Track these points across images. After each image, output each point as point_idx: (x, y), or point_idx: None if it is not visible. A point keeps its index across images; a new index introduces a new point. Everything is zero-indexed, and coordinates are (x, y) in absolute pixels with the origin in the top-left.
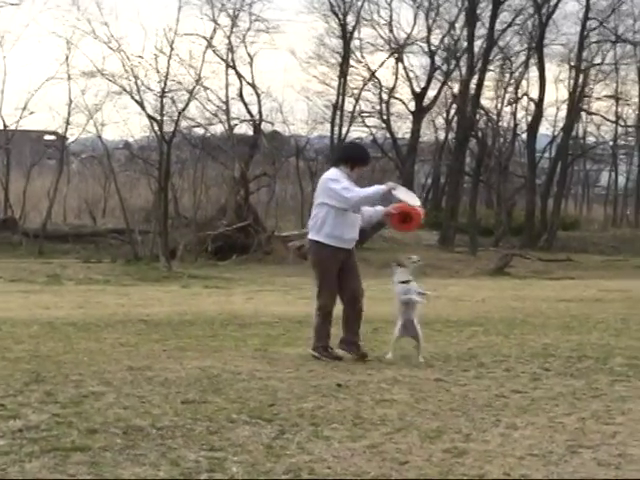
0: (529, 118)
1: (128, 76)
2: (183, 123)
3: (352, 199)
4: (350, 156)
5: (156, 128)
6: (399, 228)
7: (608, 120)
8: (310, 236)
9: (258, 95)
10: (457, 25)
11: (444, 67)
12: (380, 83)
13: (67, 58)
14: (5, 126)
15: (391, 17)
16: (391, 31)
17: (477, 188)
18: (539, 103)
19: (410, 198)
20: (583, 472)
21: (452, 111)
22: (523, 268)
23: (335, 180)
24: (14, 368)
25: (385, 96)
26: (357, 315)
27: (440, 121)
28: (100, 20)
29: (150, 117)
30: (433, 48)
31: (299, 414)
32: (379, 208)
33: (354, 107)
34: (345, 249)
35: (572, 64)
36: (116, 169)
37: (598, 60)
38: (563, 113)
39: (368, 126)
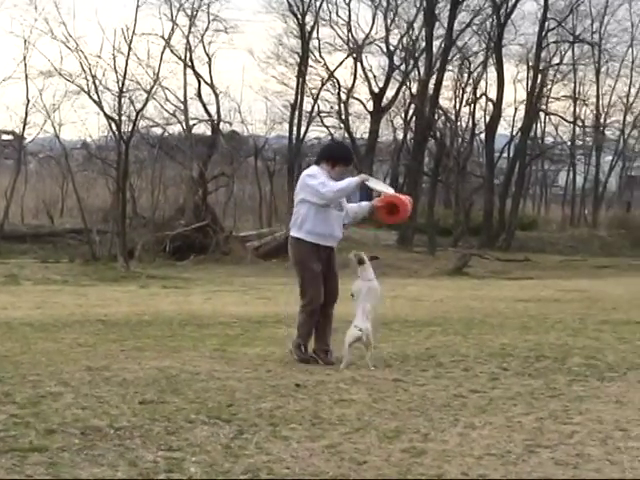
0: (487, 118)
1: (86, 76)
2: (141, 123)
3: (327, 193)
4: (331, 154)
5: (114, 128)
6: (388, 220)
7: (566, 120)
8: (291, 233)
9: (216, 95)
10: (415, 25)
11: (402, 67)
12: (338, 83)
13: (25, 58)
14: None
15: (349, 17)
16: (349, 31)
17: (435, 188)
18: (497, 103)
19: (384, 188)
20: (541, 472)
21: (410, 111)
22: (481, 268)
23: (312, 176)
24: None
25: (343, 96)
26: (327, 322)
27: (398, 121)
28: (58, 20)
29: (108, 117)
30: (391, 48)
31: (258, 414)
32: (364, 204)
33: (312, 107)
34: (326, 247)
35: (530, 64)
36: (74, 169)
37: (556, 60)
38: (521, 113)
39: (326, 126)
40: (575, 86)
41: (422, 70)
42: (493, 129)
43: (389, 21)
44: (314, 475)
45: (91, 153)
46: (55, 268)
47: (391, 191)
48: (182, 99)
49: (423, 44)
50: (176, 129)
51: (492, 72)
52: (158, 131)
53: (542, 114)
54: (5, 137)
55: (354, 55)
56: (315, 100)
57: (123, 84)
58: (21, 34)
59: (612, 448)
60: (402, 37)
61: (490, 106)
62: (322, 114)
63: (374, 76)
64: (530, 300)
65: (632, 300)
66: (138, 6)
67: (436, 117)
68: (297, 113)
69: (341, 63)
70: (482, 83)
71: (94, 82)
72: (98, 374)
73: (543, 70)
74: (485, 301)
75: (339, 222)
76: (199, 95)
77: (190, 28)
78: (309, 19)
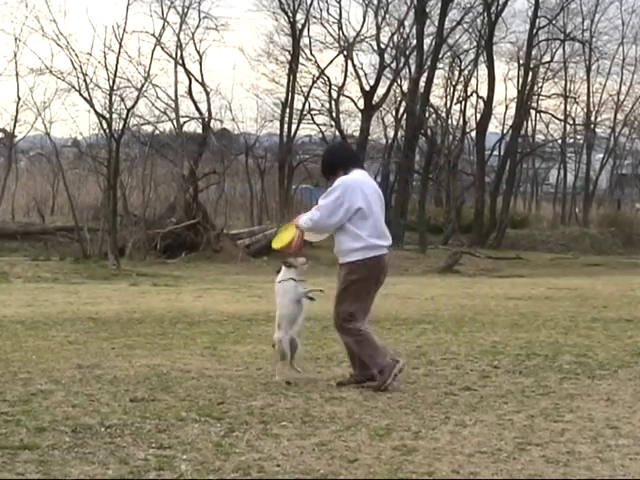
0: (478, 116)
1: (77, 73)
2: (132, 121)
3: None
4: None
5: (105, 126)
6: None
7: (557, 118)
8: None
9: (207, 93)
10: (406, 23)
11: (393, 65)
12: (329, 81)
13: (15, 55)
14: None
15: (340, 15)
16: (340, 29)
17: (426, 186)
18: (488, 101)
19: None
20: (532, 469)
21: (401, 109)
22: (472, 266)
23: None
24: None
25: (334, 94)
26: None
27: (389, 119)
28: (49, 17)
29: (99, 114)
30: (382, 46)
31: (248, 412)
32: None
33: (303, 105)
34: None
35: (521, 62)
36: (65, 167)
37: (547, 58)
38: (512, 111)
39: (317, 124)
40: (566, 84)
41: (413, 68)
42: (484, 127)
43: (380, 19)
44: (305, 473)
45: (82, 151)
46: (46, 266)
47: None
48: (173, 97)
49: (414, 42)
50: (167, 127)
51: (483, 70)
52: (149, 129)
53: (533, 112)
54: None
55: (345, 53)
56: (306, 98)
57: (114, 82)
58: (12, 32)
59: (603, 446)
60: (393, 35)
61: (481, 104)
62: (313, 112)
63: (365, 74)
64: (521, 298)
65: (623, 298)
66: (129, 4)
67: (427, 115)
68: (288, 111)
69: (332, 61)
70: (473, 81)
71: (85, 80)
72: (89, 372)
73: (534, 68)
74: (476, 299)
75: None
76: (190, 93)
77: (181, 26)
78: (300, 17)
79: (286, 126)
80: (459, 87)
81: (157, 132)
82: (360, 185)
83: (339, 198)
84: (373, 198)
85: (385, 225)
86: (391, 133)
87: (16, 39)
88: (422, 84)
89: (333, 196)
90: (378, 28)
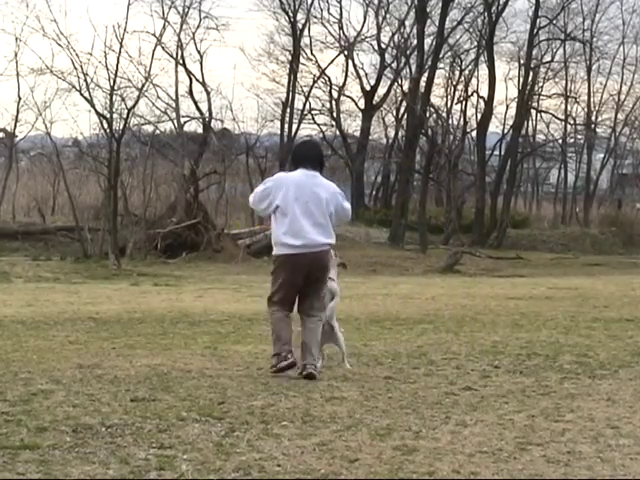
0: (479, 116)
1: (77, 73)
2: (132, 120)
3: None
4: None
5: (105, 125)
6: None
7: (557, 118)
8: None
9: (208, 93)
10: (407, 23)
11: (394, 65)
12: (330, 81)
13: (16, 55)
14: None
15: (341, 15)
16: (341, 29)
17: (427, 186)
18: (489, 101)
19: None
20: (532, 469)
21: (402, 109)
22: (473, 266)
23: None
24: None
25: (335, 94)
26: None
27: (390, 119)
28: (49, 17)
29: (99, 114)
30: (383, 46)
31: (249, 412)
32: None
33: (304, 105)
34: None
35: (522, 62)
36: (65, 167)
37: (547, 58)
38: (513, 111)
39: (318, 124)
40: (566, 84)
41: (413, 68)
42: (484, 127)
43: (380, 19)
44: (305, 473)
45: (82, 151)
46: (47, 266)
47: None
48: (173, 97)
49: (414, 42)
50: (167, 127)
51: (483, 70)
52: (149, 129)
53: (533, 112)
54: None
55: (345, 53)
56: (306, 98)
57: (114, 82)
58: (12, 31)
59: (603, 446)
60: (393, 35)
61: (482, 104)
62: (313, 112)
63: (365, 74)
64: (522, 298)
65: (623, 298)
66: (129, 4)
67: (427, 115)
68: (288, 111)
69: (332, 61)
70: (474, 81)
71: (85, 80)
72: (89, 372)
73: (534, 68)
74: (477, 299)
75: None
76: (190, 93)
77: (181, 26)
78: (300, 17)
79: (287, 126)
80: (460, 87)
81: (158, 132)
82: (289, 183)
83: (266, 189)
84: (302, 198)
85: (309, 226)
86: (392, 133)
87: (17, 39)
88: (423, 84)
89: (263, 186)
90: (379, 28)
